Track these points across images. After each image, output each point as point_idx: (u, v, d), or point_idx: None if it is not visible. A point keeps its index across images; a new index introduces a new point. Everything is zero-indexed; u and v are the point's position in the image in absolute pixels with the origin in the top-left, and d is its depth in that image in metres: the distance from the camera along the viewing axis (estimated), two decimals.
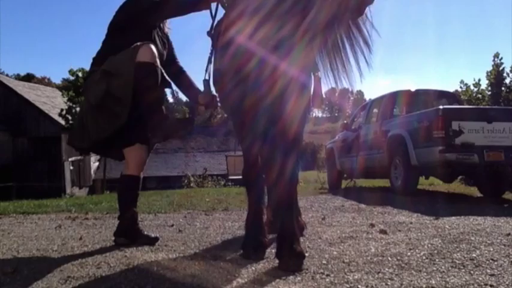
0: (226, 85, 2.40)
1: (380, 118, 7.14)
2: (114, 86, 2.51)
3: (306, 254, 2.17)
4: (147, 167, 2.87)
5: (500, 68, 11.77)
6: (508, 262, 2.10)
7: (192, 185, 15.33)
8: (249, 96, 2.20)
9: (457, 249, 2.39)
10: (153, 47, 2.56)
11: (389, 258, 2.21)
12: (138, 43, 2.54)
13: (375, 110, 7.69)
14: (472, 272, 1.96)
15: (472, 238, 2.68)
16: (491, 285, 1.76)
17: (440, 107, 5.70)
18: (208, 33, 2.76)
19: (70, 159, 21.97)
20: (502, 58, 11.79)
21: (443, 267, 2.04)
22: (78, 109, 18.09)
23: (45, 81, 58.48)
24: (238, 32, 2.17)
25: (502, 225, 3.22)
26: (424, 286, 1.77)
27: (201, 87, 2.88)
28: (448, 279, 1.84)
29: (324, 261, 2.17)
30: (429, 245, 2.51)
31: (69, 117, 19.32)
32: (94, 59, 2.75)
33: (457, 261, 2.13)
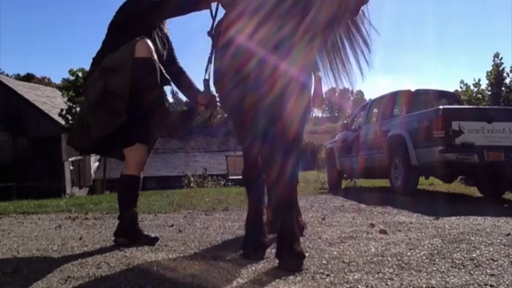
0: (226, 85, 2.40)
1: (380, 118, 7.14)
2: (112, 82, 2.52)
3: (306, 254, 2.17)
4: (147, 167, 2.87)
5: (500, 68, 11.78)
6: (508, 262, 2.10)
7: (192, 185, 15.34)
8: (249, 96, 2.20)
9: (457, 249, 2.39)
10: (149, 41, 2.57)
11: (389, 258, 2.21)
12: (134, 39, 2.54)
13: (375, 110, 7.69)
14: (472, 272, 1.96)
15: (472, 238, 2.68)
16: (491, 285, 1.76)
17: (440, 107, 5.70)
18: (209, 33, 2.76)
19: (70, 159, 21.97)
20: (502, 58, 11.83)
21: (443, 267, 2.04)
22: (78, 109, 18.11)
23: (45, 81, 58.49)
24: (238, 32, 2.17)
25: (502, 225, 3.22)
26: (424, 286, 1.77)
27: (201, 87, 2.88)
28: (448, 279, 1.84)
29: (324, 261, 2.17)
30: (429, 245, 2.51)
31: (69, 117, 19.33)
32: (94, 59, 2.75)
33: (457, 261, 2.13)
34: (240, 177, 2.87)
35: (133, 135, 2.68)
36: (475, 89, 12.10)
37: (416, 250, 2.39)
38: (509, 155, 5.34)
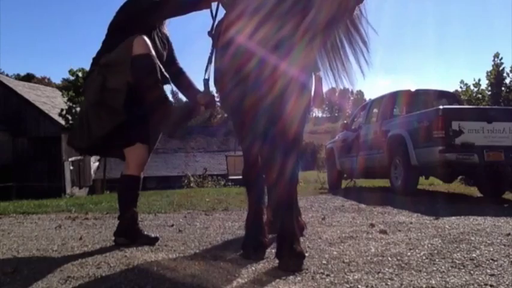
0: (226, 85, 2.40)
1: (380, 118, 7.14)
2: (110, 79, 2.53)
3: (306, 254, 2.17)
4: (147, 167, 2.87)
5: (500, 68, 11.79)
6: (508, 262, 2.10)
7: (192, 185, 15.33)
8: (249, 96, 2.20)
9: (457, 249, 2.39)
10: (145, 37, 2.57)
11: (389, 258, 2.21)
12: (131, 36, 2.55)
13: (375, 110, 7.69)
14: (472, 272, 1.96)
15: (472, 238, 2.68)
16: (491, 285, 1.76)
17: (440, 107, 5.70)
18: (209, 33, 2.76)
19: (70, 159, 21.97)
20: (502, 58, 11.83)
21: (443, 267, 2.04)
22: (78, 109, 18.11)
23: (45, 81, 58.50)
24: (238, 31, 2.17)
25: (502, 225, 3.22)
26: (424, 286, 1.77)
27: (201, 87, 2.87)
28: (448, 279, 1.84)
29: (324, 261, 2.17)
30: (429, 245, 2.51)
31: (69, 117, 19.33)
32: (94, 59, 2.75)
33: (457, 261, 2.13)
34: (240, 177, 2.87)
35: (133, 135, 2.68)
36: (475, 89, 12.11)
37: (416, 250, 2.39)
38: (509, 155, 5.34)
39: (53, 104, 22.95)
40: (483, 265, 2.06)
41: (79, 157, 22.26)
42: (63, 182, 21.12)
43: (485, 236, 2.76)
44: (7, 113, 21.07)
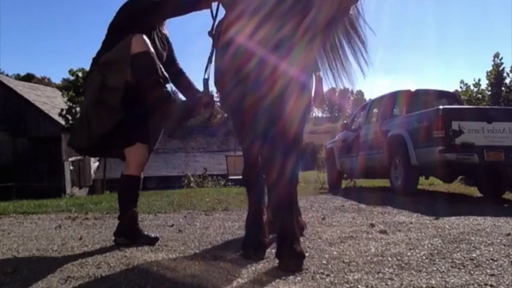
0: (226, 85, 2.41)
1: (380, 118, 7.14)
2: (109, 77, 2.53)
3: (306, 254, 2.17)
4: (147, 167, 2.87)
5: (500, 68, 11.79)
6: (508, 262, 2.10)
7: (192, 185, 15.34)
8: (249, 96, 2.20)
9: (457, 249, 2.39)
10: (144, 36, 2.57)
11: (389, 258, 2.21)
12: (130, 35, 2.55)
13: (375, 110, 7.69)
14: (472, 272, 1.96)
15: (472, 238, 2.68)
16: (491, 285, 1.76)
17: (440, 107, 5.70)
18: (209, 33, 2.75)
19: (70, 159, 21.97)
20: (502, 58, 11.84)
21: (443, 267, 2.04)
22: (78, 109, 18.13)
23: (45, 81, 58.52)
24: (238, 31, 2.17)
25: (502, 225, 3.22)
26: (424, 286, 1.77)
27: (201, 87, 2.87)
28: (448, 279, 1.84)
29: (324, 261, 2.17)
30: (429, 245, 2.51)
31: (69, 117, 19.32)
32: (94, 59, 2.76)
33: (457, 261, 2.13)
34: (240, 177, 2.87)
35: (133, 135, 2.68)
36: (475, 89, 12.11)
37: (416, 250, 2.39)
38: (509, 155, 5.34)
39: (53, 104, 22.95)
40: (483, 265, 2.06)
41: (79, 157, 22.25)
42: (63, 182, 21.12)
43: (485, 236, 2.76)
44: (7, 113, 21.07)
